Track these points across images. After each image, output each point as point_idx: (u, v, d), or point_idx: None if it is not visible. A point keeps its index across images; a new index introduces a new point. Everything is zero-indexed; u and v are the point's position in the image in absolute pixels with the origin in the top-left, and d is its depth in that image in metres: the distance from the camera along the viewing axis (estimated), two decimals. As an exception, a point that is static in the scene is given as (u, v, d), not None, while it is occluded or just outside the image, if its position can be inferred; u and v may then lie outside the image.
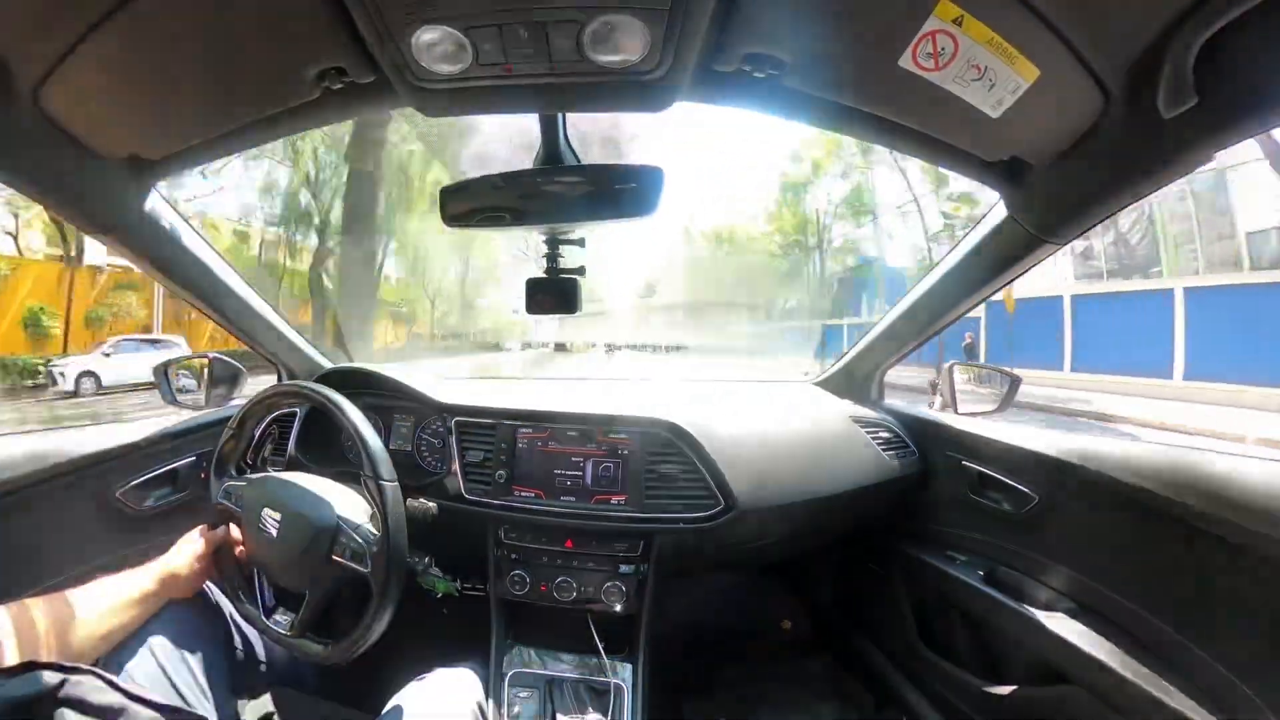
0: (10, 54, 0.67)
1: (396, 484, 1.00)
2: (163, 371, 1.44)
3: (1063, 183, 0.86)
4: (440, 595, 1.21)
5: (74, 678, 0.58)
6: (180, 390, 1.46)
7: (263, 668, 1.08)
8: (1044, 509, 1.10)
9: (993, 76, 0.69)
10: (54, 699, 0.55)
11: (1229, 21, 0.57)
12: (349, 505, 1.03)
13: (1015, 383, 1.41)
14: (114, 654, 0.83)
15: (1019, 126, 0.77)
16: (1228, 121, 0.66)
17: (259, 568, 1.06)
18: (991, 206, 1.03)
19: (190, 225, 1.15)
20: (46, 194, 0.89)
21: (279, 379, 1.58)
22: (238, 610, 1.05)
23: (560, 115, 0.91)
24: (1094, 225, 0.92)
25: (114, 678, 0.62)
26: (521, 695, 1.17)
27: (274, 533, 0.98)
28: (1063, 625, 0.99)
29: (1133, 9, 0.62)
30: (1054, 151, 0.82)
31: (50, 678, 0.56)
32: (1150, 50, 0.63)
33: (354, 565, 0.96)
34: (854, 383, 1.61)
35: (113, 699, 0.59)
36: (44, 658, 0.70)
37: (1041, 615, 1.03)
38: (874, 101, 0.80)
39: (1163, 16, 0.60)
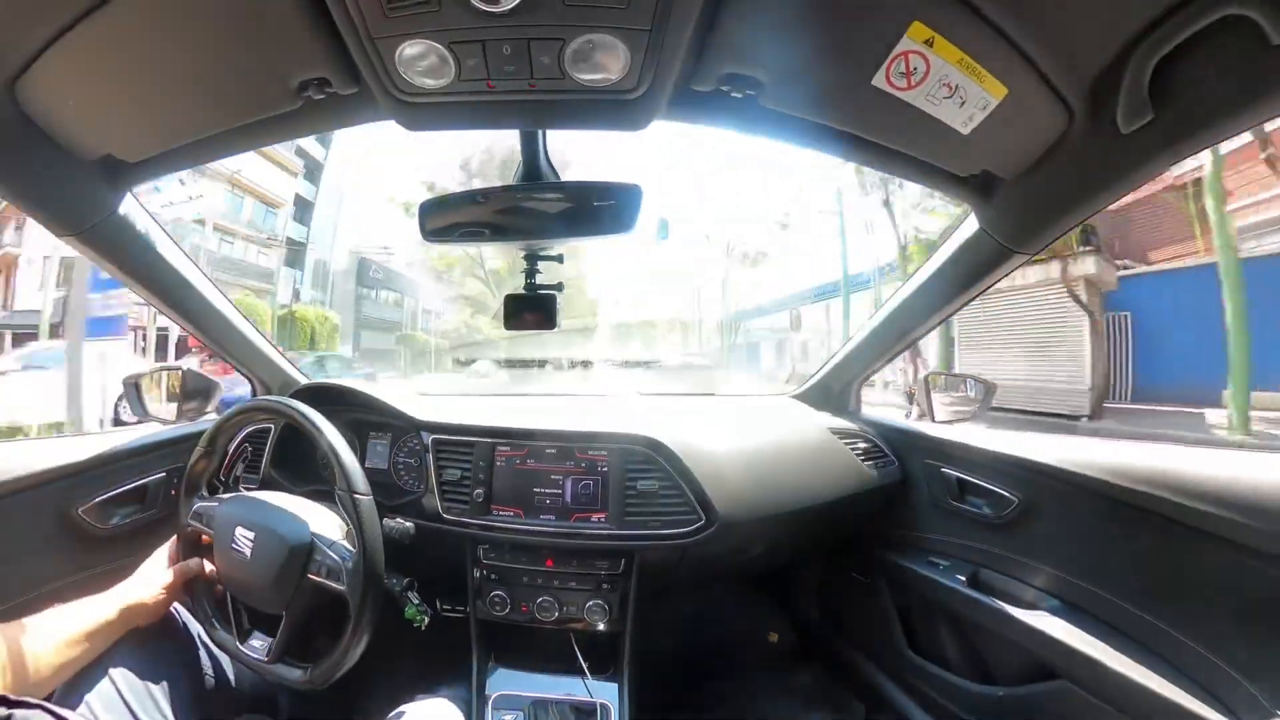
0: None
1: (371, 499, 0.98)
2: (133, 384, 1.39)
3: (1031, 195, 0.90)
4: (413, 621, 1.18)
5: (20, 713, 0.55)
6: (151, 403, 1.41)
7: (234, 695, 1.04)
8: (1023, 511, 1.12)
9: (963, 95, 0.71)
10: None
11: (1181, 42, 0.60)
12: (324, 522, 1.01)
13: (990, 389, 1.44)
14: (73, 684, 0.80)
15: (989, 142, 0.80)
16: (1182, 135, 0.70)
17: (233, 591, 1.02)
18: (963, 220, 1.06)
19: (166, 232, 1.12)
20: (14, 190, 0.87)
21: (253, 394, 1.54)
22: (211, 637, 1.02)
23: (540, 132, 0.91)
24: (1061, 235, 0.96)
25: (64, 711, 0.59)
26: (505, 718, 1.14)
27: (247, 552, 0.96)
28: (1048, 622, 1.01)
29: (1091, 31, 0.65)
30: (1022, 166, 0.85)
31: None
32: (1109, 69, 0.67)
33: (330, 583, 0.94)
34: (831, 395, 1.63)
35: None
36: None
37: (1026, 614, 1.05)
38: (849, 120, 0.82)
39: (1119, 38, 0.64)
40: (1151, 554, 0.91)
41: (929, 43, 0.66)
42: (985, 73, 0.69)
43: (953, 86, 0.70)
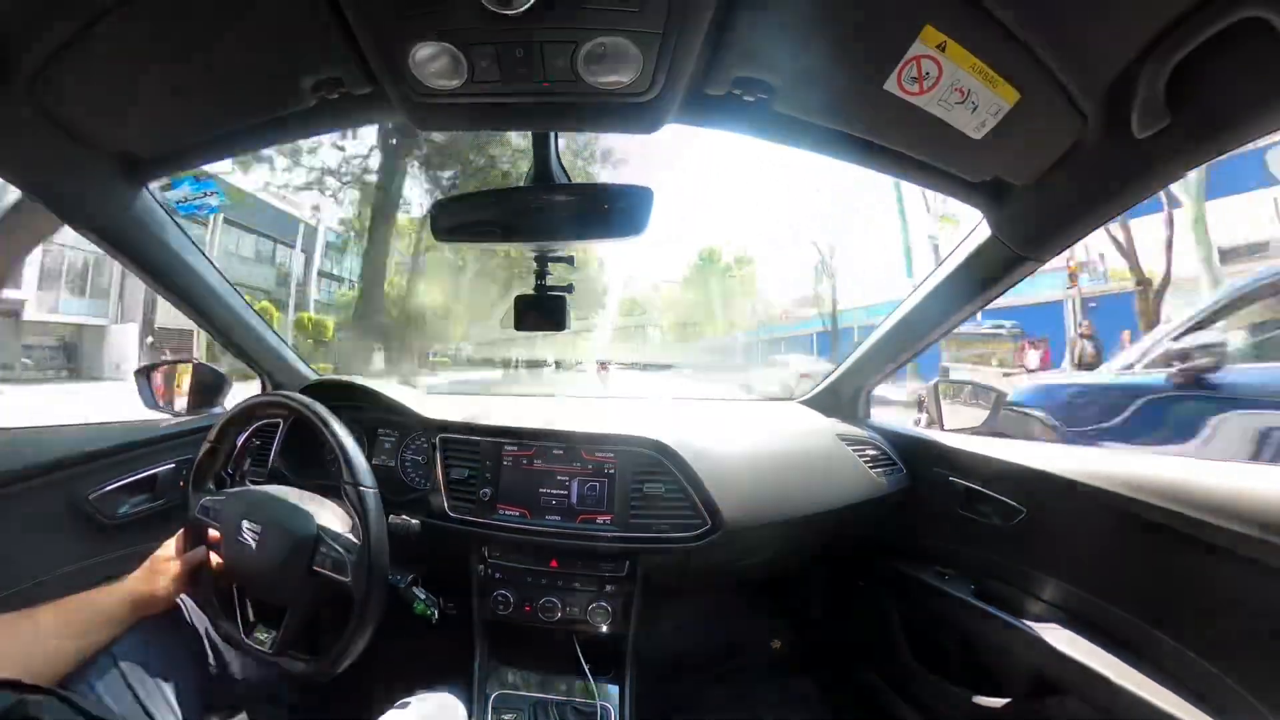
0: (11, 40, 0.67)
1: (376, 491, 0.99)
2: (144, 375, 1.42)
3: (1043, 202, 0.89)
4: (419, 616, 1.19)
5: (32, 698, 0.56)
6: (162, 395, 1.43)
7: (238, 685, 1.05)
8: (1032, 521, 1.11)
9: (975, 100, 0.71)
10: None
11: (1197, 46, 0.60)
12: (329, 516, 1.02)
13: (1000, 398, 1.42)
14: (81, 673, 0.81)
15: (1001, 148, 0.79)
16: (1198, 141, 0.69)
17: (238, 583, 1.04)
18: (975, 226, 1.05)
19: (181, 228, 1.14)
20: (33, 184, 0.89)
21: (263, 389, 1.56)
22: (216, 629, 1.03)
23: (553, 134, 0.92)
24: (1073, 243, 0.95)
25: (74, 697, 0.60)
26: (506, 718, 1.14)
27: (253, 545, 0.97)
28: (1055, 636, 1.00)
29: (1107, 35, 0.64)
30: (1034, 172, 0.84)
31: (4, 698, 0.54)
32: (1124, 74, 0.66)
33: (335, 576, 0.95)
34: (840, 401, 1.62)
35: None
36: (3, 676, 0.68)
37: (1033, 626, 1.03)
38: (861, 125, 0.82)
39: (1135, 42, 0.63)
40: (1163, 568, 0.90)
41: (941, 47, 0.65)
42: (998, 77, 0.68)
43: (965, 91, 0.70)
